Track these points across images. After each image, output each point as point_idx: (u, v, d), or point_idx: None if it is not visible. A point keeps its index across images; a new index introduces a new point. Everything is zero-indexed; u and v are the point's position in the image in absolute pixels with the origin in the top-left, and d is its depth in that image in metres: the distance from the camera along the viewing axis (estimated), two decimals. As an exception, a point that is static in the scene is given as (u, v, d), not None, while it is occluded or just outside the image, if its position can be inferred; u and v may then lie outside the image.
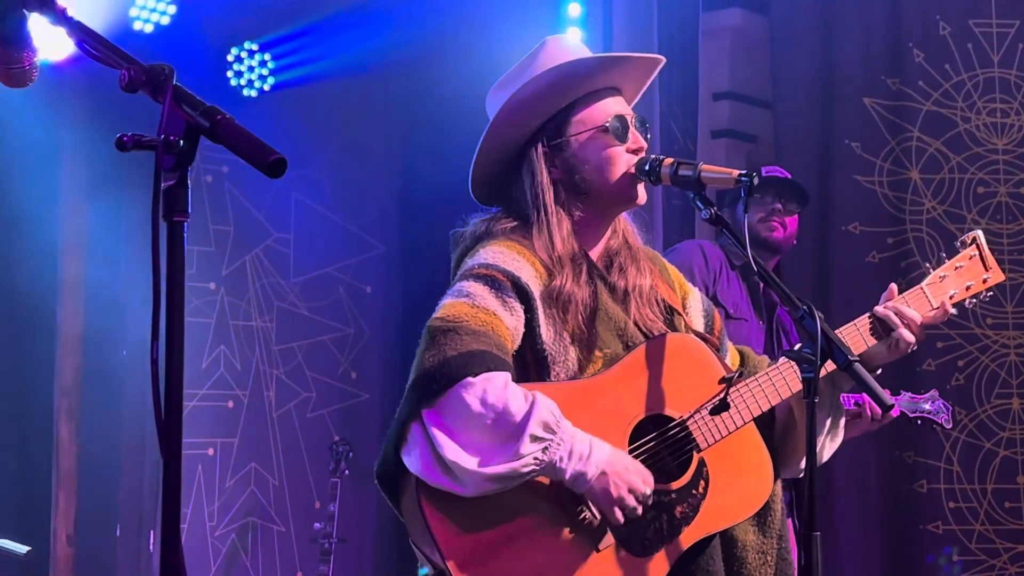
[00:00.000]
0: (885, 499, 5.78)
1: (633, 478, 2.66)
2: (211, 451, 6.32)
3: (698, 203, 2.78)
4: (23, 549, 4.25)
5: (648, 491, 2.68)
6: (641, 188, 2.90)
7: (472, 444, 2.58)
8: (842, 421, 3.03)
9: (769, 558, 2.89)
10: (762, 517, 2.89)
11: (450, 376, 2.59)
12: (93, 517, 6.02)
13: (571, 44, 3.02)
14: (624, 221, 3.00)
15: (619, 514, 2.67)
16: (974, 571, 5.65)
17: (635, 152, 2.88)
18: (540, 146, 2.90)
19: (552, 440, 2.60)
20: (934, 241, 5.76)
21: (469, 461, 2.57)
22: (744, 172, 2.72)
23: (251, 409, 6.49)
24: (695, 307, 3.05)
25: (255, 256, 6.56)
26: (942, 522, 5.66)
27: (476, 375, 2.59)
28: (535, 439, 2.58)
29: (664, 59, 3.02)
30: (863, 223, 5.85)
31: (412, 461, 2.63)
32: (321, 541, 6.14)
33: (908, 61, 5.86)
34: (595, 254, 2.93)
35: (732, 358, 3.04)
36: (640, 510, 2.68)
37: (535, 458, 2.59)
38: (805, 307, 2.65)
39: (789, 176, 5.02)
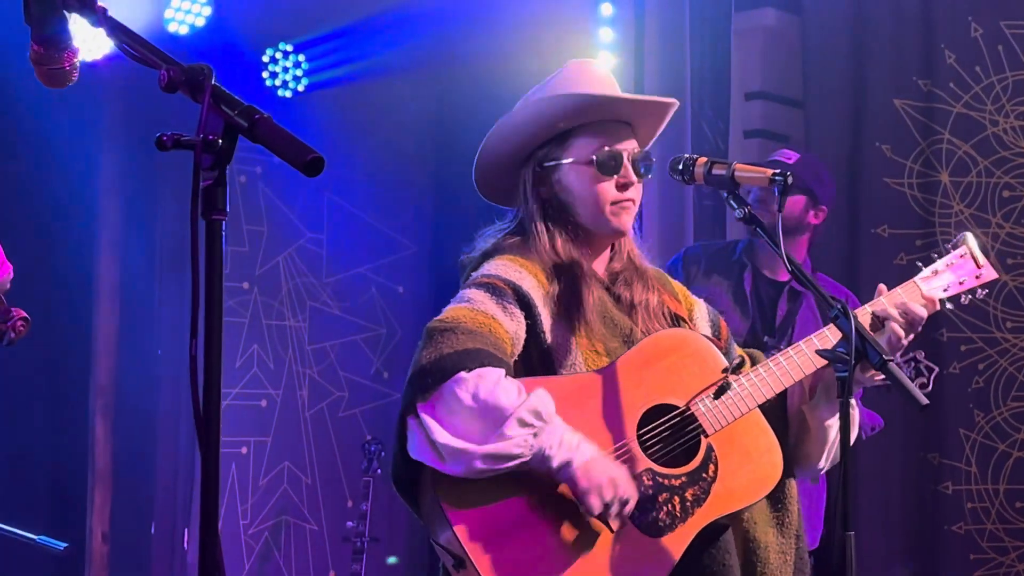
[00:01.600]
0: (911, 499, 5.76)
1: (615, 472, 2.68)
2: (244, 450, 6.34)
3: (732, 202, 2.81)
4: (60, 546, 4.28)
5: (627, 496, 2.68)
6: (627, 218, 2.92)
7: (462, 430, 2.63)
8: (856, 422, 3.01)
9: (788, 558, 2.92)
10: (780, 517, 2.92)
11: (444, 371, 2.63)
12: (128, 514, 6.05)
13: (590, 70, 3.04)
14: (630, 243, 3.03)
15: (596, 503, 2.66)
16: (983, 569, 5.63)
17: (622, 188, 2.90)
18: (534, 165, 2.95)
19: (542, 428, 2.64)
20: (962, 244, 5.73)
21: (457, 442, 2.61)
22: (778, 172, 2.73)
23: (284, 408, 6.51)
24: (701, 317, 3.10)
25: (288, 256, 6.58)
26: (963, 523, 5.65)
27: (470, 370, 2.63)
28: (523, 424, 2.62)
29: (675, 102, 3.01)
30: (892, 226, 5.83)
31: (413, 450, 2.68)
32: (353, 540, 6.15)
33: (939, 62, 5.82)
34: (599, 270, 2.99)
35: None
36: (615, 510, 2.68)
37: (525, 440, 2.63)
38: (839, 306, 2.65)
39: (792, 159, 4.94)
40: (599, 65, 3.14)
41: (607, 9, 6.00)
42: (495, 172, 3.00)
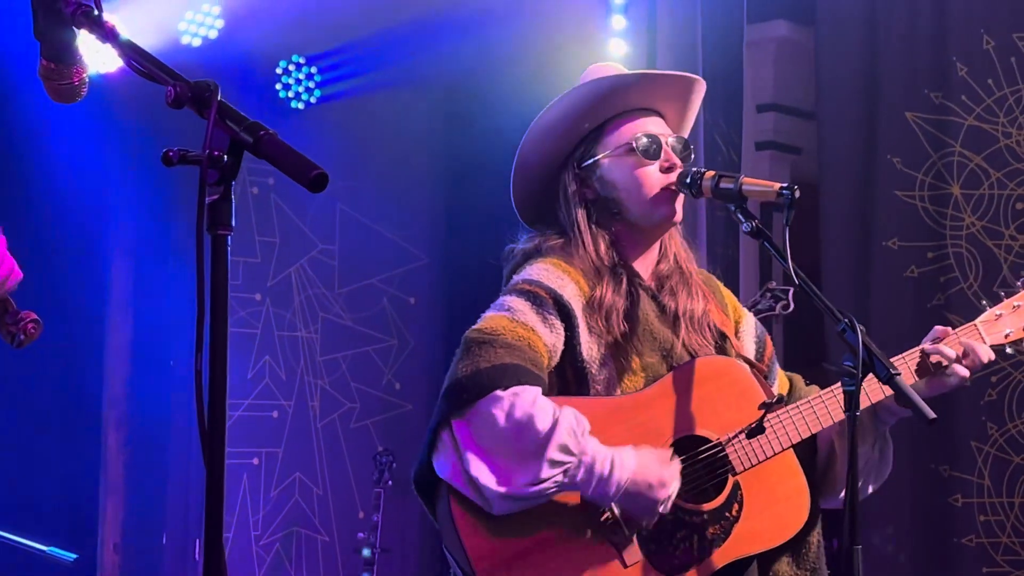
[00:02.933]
0: (921, 512, 5.73)
1: (654, 494, 2.66)
2: (256, 460, 6.35)
3: (739, 216, 2.77)
4: (71, 557, 4.29)
5: (668, 501, 2.67)
6: (678, 204, 2.89)
7: (495, 461, 2.60)
8: (890, 456, 3.00)
9: None
10: (797, 549, 2.87)
11: (480, 387, 2.61)
12: (140, 525, 6.06)
13: (609, 69, 3.01)
14: (676, 244, 2.98)
15: (644, 523, 2.67)
16: (997, 583, 5.61)
17: (667, 171, 2.86)
18: (572, 167, 2.91)
19: (572, 463, 2.61)
20: (972, 257, 5.70)
21: (490, 479, 2.59)
22: (785, 185, 2.71)
23: (296, 419, 6.52)
24: (748, 332, 3.03)
25: (300, 267, 6.59)
26: (975, 535, 5.62)
27: (506, 388, 2.61)
28: (554, 464, 2.60)
29: (702, 80, 3.00)
30: (902, 238, 5.81)
31: (441, 467, 2.66)
32: (364, 551, 6.15)
33: (951, 75, 5.80)
34: (644, 274, 2.92)
35: (780, 385, 3.02)
36: (665, 511, 2.68)
37: (555, 481, 2.61)
38: (846, 320, 2.63)
39: None
40: (618, 65, 3.12)
41: (619, 22, 6.01)
42: (533, 183, 2.95)
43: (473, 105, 6.52)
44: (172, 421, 6.12)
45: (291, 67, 6.41)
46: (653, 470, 2.66)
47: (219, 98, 1.82)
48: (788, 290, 4.69)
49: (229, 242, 1.83)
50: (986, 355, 2.89)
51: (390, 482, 6.24)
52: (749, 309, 4.94)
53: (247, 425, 6.27)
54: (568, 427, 2.62)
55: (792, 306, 4.63)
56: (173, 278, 6.09)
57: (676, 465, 2.70)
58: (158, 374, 6.09)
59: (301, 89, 6.42)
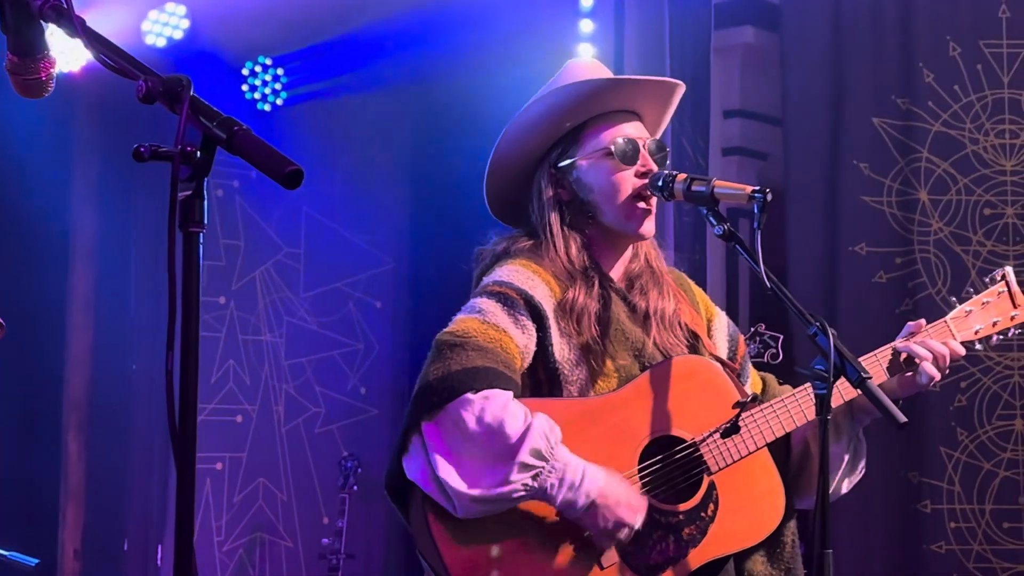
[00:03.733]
0: (890, 518, 5.75)
1: (622, 512, 2.66)
2: (219, 465, 6.32)
3: (711, 219, 2.78)
4: (31, 562, 4.23)
5: (637, 525, 2.67)
6: (649, 222, 2.89)
7: (463, 464, 2.59)
8: (863, 455, 3.01)
9: None
10: (772, 548, 2.88)
11: (451, 390, 2.60)
12: (101, 531, 6.01)
13: (589, 66, 3.01)
14: (647, 244, 2.98)
15: (606, 543, 2.67)
16: (972, 591, 5.64)
17: (643, 175, 2.86)
18: (548, 167, 2.91)
19: (543, 467, 2.60)
20: (941, 262, 5.73)
21: (458, 482, 2.58)
22: (757, 188, 2.71)
23: (260, 424, 6.49)
24: (720, 330, 3.04)
25: (265, 271, 6.56)
26: (944, 542, 5.64)
27: (477, 392, 2.60)
28: (524, 467, 2.59)
29: (682, 84, 3.01)
30: (870, 244, 5.84)
31: (411, 470, 2.65)
32: (329, 557, 6.12)
33: (918, 81, 5.83)
34: (615, 275, 2.92)
35: (753, 384, 3.03)
36: (627, 538, 2.68)
37: (524, 484, 2.60)
38: (818, 324, 2.64)
39: None
40: (597, 63, 3.11)
41: (587, 26, 6.01)
42: (508, 181, 2.95)
43: (441, 108, 6.51)
44: (134, 426, 6.08)
45: (258, 68, 6.38)
46: (623, 492, 2.67)
47: (191, 93, 1.80)
48: (779, 338, 4.67)
49: (201, 240, 1.81)
50: (957, 351, 2.90)
51: (355, 487, 6.21)
52: None
53: (211, 430, 6.24)
54: (541, 432, 2.61)
55: (781, 356, 4.61)
56: (135, 280, 6.05)
57: (645, 501, 2.70)
58: (120, 378, 6.04)
59: (268, 91, 6.39)
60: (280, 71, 6.42)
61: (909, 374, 2.89)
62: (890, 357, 2.90)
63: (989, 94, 5.79)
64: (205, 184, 1.81)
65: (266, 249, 6.56)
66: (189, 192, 1.81)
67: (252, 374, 6.47)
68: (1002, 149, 5.79)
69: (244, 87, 6.34)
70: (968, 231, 5.74)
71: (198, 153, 1.80)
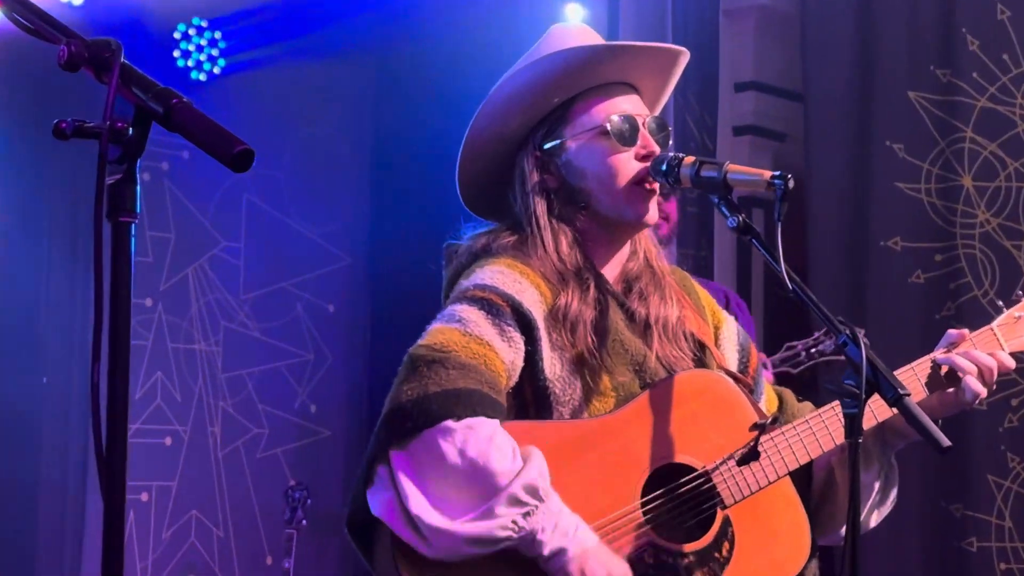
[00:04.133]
0: (929, 558, 5.77)
1: (615, 568, 2.64)
2: (145, 496, 6.30)
3: (724, 209, 2.77)
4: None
5: None
6: (653, 204, 2.89)
7: (441, 497, 2.58)
8: (895, 483, 3.02)
9: None
10: None
11: (428, 415, 2.59)
12: (7, 566, 5.99)
13: (578, 31, 3.01)
14: (646, 240, 2.99)
15: None
16: (1023, 641, 5.66)
17: (644, 159, 2.86)
18: (532, 149, 2.91)
19: (536, 507, 2.59)
20: (987, 260, 5.76)
21: (434, 517, 2.57)
22: (778, 174, 2.71)
23: (192, 447, 6.48)
24: (729, 339, 3.04)
25: (199, 268, 6.55)
26: (993, 586, 5.67)
27: (459, 419, 2.59)
28: (515, 501, 2.57)
29: (686, 52, 3.01)
30: (906, 238, 5.86)
31: (377, 505, 2.63)
32: (273, 602, 6.12)
33: (961, 49, 5.87)
34: (610, 276, 2.92)
35: (768, 401, 3.03)
36: None
37: (513, 521, 2.58)
38: (848, 332, 2.64)
39: None
40: (585, 27, 3.11)
41: (576, -10, 6.03)
42: (484, 166, 2.94)
43: (406, 80, 6.52)
44: (44, 447, 6.05)
45: (191, 31, 6.37)
46: (613, 560, 2.66)
47: (122, 59, 1.80)
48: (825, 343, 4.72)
49: (133, 231, 1.80)
50: (1007, 363, 2.91)
51: (304, 521, 6.20)
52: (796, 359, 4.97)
53: (135, 454, 6.12)
54: (537, 470, 2.61)
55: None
56: (48, 279, 6.03)
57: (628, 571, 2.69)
58: (28, 393, 6.01)
59: (203, 57, 6.37)
60: (218, 35, 6.41)
61: (951, 390, 2.89)
62: (929, 371, 2.90)
63: (1044, 65, 5.83)
64: (137, 166, 1.81)
65: (201, 243, 6.55)
66: (119, 176, 1.81)
67: (183, 389, 6.46)
68: (1058, 129, 5.83)
69: (176, 53, 6.33)
70: (1020, 223, 5.77)
71: (130, 130, 1.80)
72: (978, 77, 5.84)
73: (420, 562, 2.62)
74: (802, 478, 2.91)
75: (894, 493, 3.03)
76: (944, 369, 2.89)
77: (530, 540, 2.59)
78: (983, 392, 2.88)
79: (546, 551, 2.60)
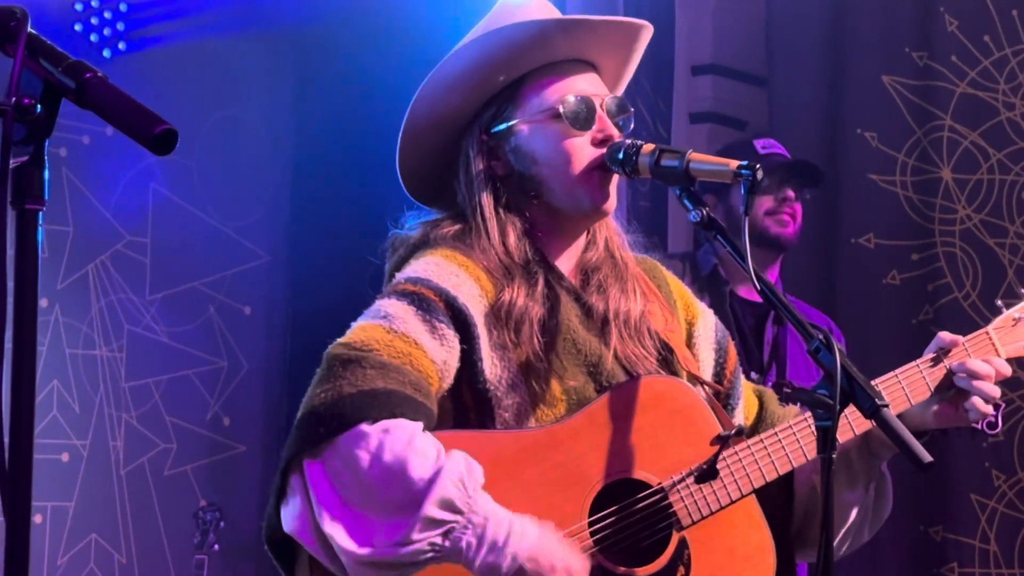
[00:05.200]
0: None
1: (570, 562, 2.65)
2: (39, 518, 6.26)
3: (686, 201, 2.79)
4: None
5: None
6: (612, 188, 2.91)
7: (356, 515, 2.58)
8: (888, 494, 3.05)
9: None
10: None
11: (341, 419, 2.59)
12: None
13: (530, 5, 3.01)
14: (609, 227, 3.00)
15: None
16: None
17: (601, 143, 2.88)
18: (478, 133, 2.92)
19: (456, 523, 2.58)
20: (969, 259, 5.82)
21: (346, 539, 2.57)
22: (745, 164, 2.73)
23: (92, 464, 6.43)
24: (705, 337, 3.05)
25: (100, 265, 6.51)
26: (977, 616, 5.71)
27: (375, 422, 2.59)
28: (432, 523, 2.57)
29: (648, 25, 3.03)
30: (880, 235, 5.91)
31: (289, 519, 2.64)
32: (182, 634, 6.09)
33: (939, 30, 5.92)
34: (566, 268, 2.93)
35: (747, 405, 3.05)
36: None
37: (431, 544, 2.58)
38: (821, 337, 2.66)
39: (787, 154, 5.12)
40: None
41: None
42: (427, 151, 2.95)
43: (330, 59, 6.50)
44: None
45: (94, 3, 6.33)
46: (559, 551, 2.66)
47: (29, 28, 1.79)
48: (1001, 406, 4.74)
49: (41, 220, 1.79)
50: (1003, 370, 2.94)
51: (216, 546, 6.18)
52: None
53: (28, 471, 6.17)
54: (456, 477, 2.59)
55: (1000, 428, 4.65)
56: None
57: (588, 564, 2.70)
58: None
59: (107, 33, 6.34)
60: (123, 7, 6.38)
61: (949, 405, 2.92)
62: (918, 380, 2.93)
63: (1027, 47, 5.88)
64: (46, 147, 1.80)
65: (102, 237, 6.51)
66: (25, 158, 1.80)
67: (82, 399, 6.41)
68: (1044, 117, 5.89)
69: (77, 27, 6.30)
70: (1003, 219, 5.83)
71: (38, 107, 1.79)
72: (958, 60, 5.90)
73: None
74: (782, 496, 2.94)
75: (889, 503, 3.06)
76: (934, 378, 2.92)
77: (456, 556, 2.60)
78: (990, 412, 2.91)
79: (476, 567, 2.61)
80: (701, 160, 2.80)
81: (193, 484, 6.69)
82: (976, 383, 2.90)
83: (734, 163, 2.74)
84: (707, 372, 3.00)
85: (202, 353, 6.78)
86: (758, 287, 2.71)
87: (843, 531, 2.96)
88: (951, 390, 2.92)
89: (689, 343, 3.01)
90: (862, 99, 5.95)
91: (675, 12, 6.52)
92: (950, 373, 2.93)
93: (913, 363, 2.95)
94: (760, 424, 3.00)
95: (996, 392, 2.92)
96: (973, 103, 5.86)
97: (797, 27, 6.08)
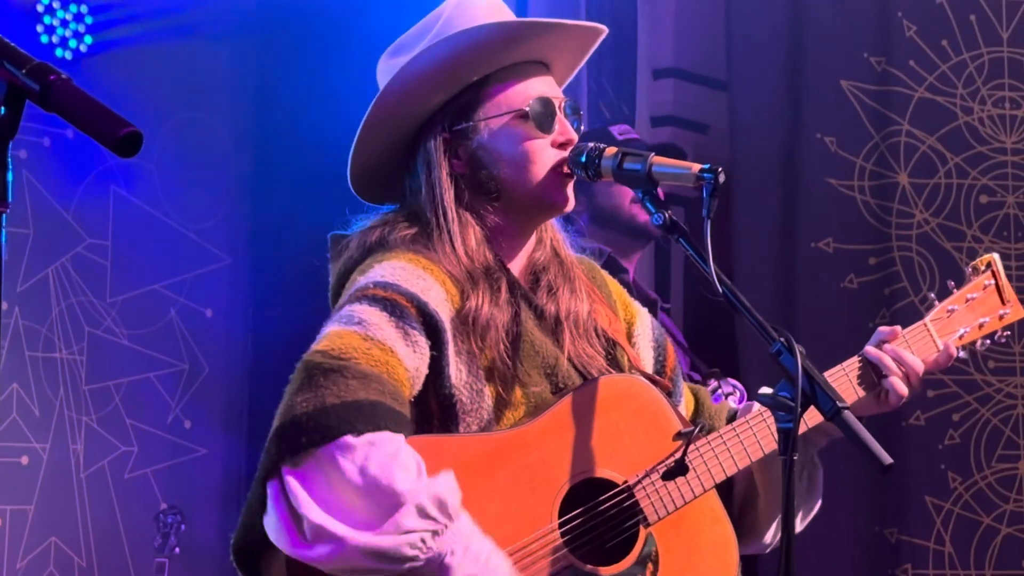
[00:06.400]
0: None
1: None
2: (-1, 521, 6.24)
3: (648, 204, 2.81)
4: None
5: None
6: (570, 190, 2.93)
7: (342, 508, 2.56)
8: (819, 484, 3.09)
9: None
10: None
11: (326, 430, 2.58)
12: None
13: (484, 5, 3.02)
14: (552, 228, 3.03)
15: None
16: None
17: (562, 146, 2.90)
18: (440, 131, 2.92)
19: (447, 526, 2.58)
20: (925, 263, 5.84)
21: (338, 526, 2.55)
22: (707, 167, 2.75)
23: (52, 467, 6.40)
24: (643, 336, 3.09)
25: (61, 268, 6.49)
26: (931, 618, 5.73)
27: (360, 434, 2.58)
28: (424, 515, 2.56)
29: (605, 29, 3.05)
30: (838, 239, 5.92)
31: (271, 529, 2.62)
32: (142, 638, 6.08)
33: (897, 35, 5.94)
34: (516, 270, 2.94)
35: (686, 403, 3.08)
36: None
37: (422, 540, 2.57)
38: (782, 340, 2.67)
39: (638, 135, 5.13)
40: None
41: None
42: (382, 151, 2.94)
43: (294, 60, 6.49)
44: None
45: (55, 4, 6.31)
46: None
47: (-8, 31, 1.79)
48: (740, 389, 4.74)
49: (4, 222, 1.79)
50: (943, 360, 3.04)
51: (177, 550, 6.17)
52: None
53: (-12, 474, 6.17)
54: (445, 484, 2.60)
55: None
56: None
57: None
58: None
59: (67, 33, 6.32)
60: (84, 8, 6.36)
61: (875, 392, 3.00)
62: (859, 370, 2.98)
63: (985, 52, 5.91)
64: (9, 150, 1.79)
65: (63, 240, 6.48)
66: (-12, 162, 1.80)
67: (42, 402, 6.38)
68: (1001, 121, 5.91)
69: (39, 28, 6.26)
70: (960, 223, 5.85)
71: (1, 109, 1.78)
72: (915, 65, 5.92)
73: None
74: (723, 486, 2.97)
75: (819, 493, 3.11)
76: (876, 367, 2.99)
77: (437, 564, 2.59)
78: (906, 394, 3.00)
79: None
80: (663, 163, 2.83)
81: (154, 487, 6.67)
82: (886, 361, 2.95)
83: (696, 167, 2.77)
84: (648, 371, 3.03)
85: (163, 356, 6.76)
86: (719, 289, 2.73)
87: (776, 521, 2.99)
88: (882, 379, 2.98)
89: (630, 341, 3.04)
90: (821, 104, 5.97)
91: (637, 15, 6.52)
92: (863, 357, 2.98)
93: (855, 357, 2.99)
94: (699, 421, 3.03)
95: (918, 367, 2.98)
96: (930, 108, 5.88)
97: (757, 32, 6.09)
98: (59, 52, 6.30)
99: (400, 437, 2.62)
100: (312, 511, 2.55)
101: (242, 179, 6.97)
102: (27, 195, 6.35)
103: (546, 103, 2.90)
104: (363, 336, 2.69)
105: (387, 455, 2.57)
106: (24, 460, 6.34)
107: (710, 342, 5.55)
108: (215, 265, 6.92)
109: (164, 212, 6.75)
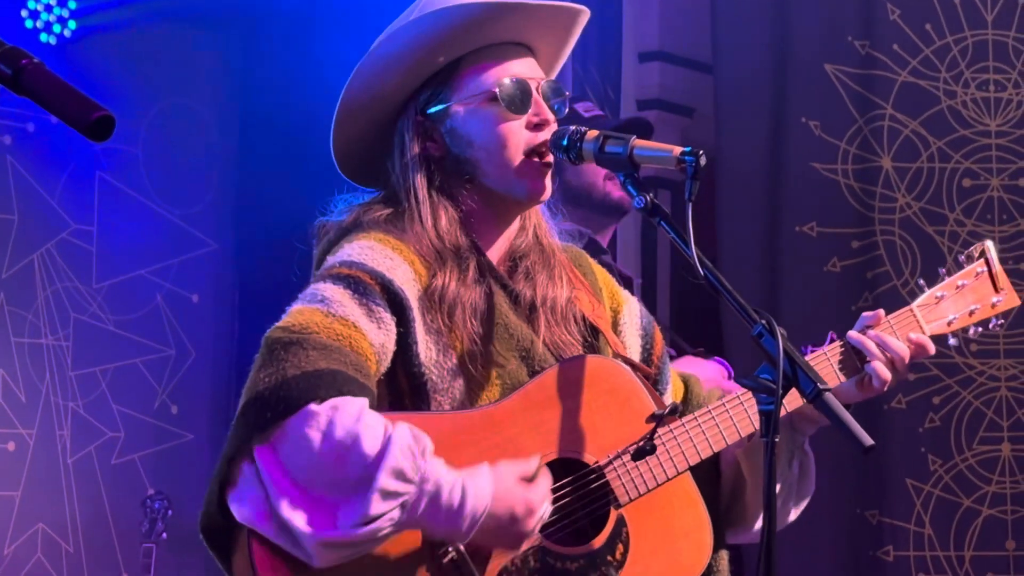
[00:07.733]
0: (842, 568, 5.83)
1: (521, 525, 2.66)
2: (-15, 507, 6.24)
3: (630, 187, 2.80)
4: None
5: (535, 530, 2.68)
6: (548, 180, 2.91)
7: (312, 498, 2.56)
8: (811, 473, 3.07)
9: None
10: None
11: (288, 401, 2.57)
12: None
13: None
14: (536, 214, 3.01)
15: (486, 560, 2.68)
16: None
17: (536, 128, 2.89)
18: (414, 113, 2.91)
19: (409, 493, 2.57)
20: (908, 247, 5.85)
21: (306, 524, 2.55)
22: (688, 149, 2.73)
23: (39, 453, 6.41)
24: (630, 324, 3.07)
25: (46, 254, 6.48)
26: (911, 598, 5.74)
27: (322, 401, 2.57)
28: (387, 495, 2.55)
29: (586, 10, 3.03)
30: (822, 223, 5.93)
31: (242, 509, 2.61)
32: (129, 623, 6.07)
33: (881, 19, 5.94)
34: (496, 254, 2.93)
35: (674, 390, 3.07)
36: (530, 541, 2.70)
37: (390, 519, 2.57)
38: (764, 322, 2.67)
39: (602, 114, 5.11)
40: None
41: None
42: (362, 133, 2.94)
43: (279, 45, 6.48)
44: None
45: (39, -11, 6.31)
46: (516, 494, 2.66)
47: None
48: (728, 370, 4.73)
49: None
50: (927, 348, 2.98)
51: (164, 535, 6.16)
52: None
53: (-26, 461, 6.17)
54: (404, 446, 2.58)
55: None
56: None
57: (545, 483, 2.71)
58: None
59: (52, 18, 6.31)
60: (69, -7, 6.36)
61: (859, 377, 2.96)
62: (841, 355, 2.97)
63: (969, 36, 5.91)
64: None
65: (48, 225, 6.48)
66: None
67: (28, 388, 6.38)
68: (985, 105, 5.92)
69: (23, 12, 6.25)
70: (943, 207, 5.86)
71: (-27, 93, 1.77)
72: (899, 49, 5.92)
73: (284, 565, 2.61)
74: (710, 474, 2.96)
75: (812, 482, 3.09)
76: (859, 352, 2.97)
77: (412, 524, 2.61)
78: (889, 379, 2.95)
79: (435, 532, 2.63)
80: (645, 146, 2.80)
81: (141, 472, 6.68)
82: (869, 345, 2.94)
83: (677, 149, 2.76)
84: (634, 358, 3.01)
85: (149, 341, 6.76)
86: (701, 272, 2.71)
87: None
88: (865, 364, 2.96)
89: (615, 330, 3.03)
90: (805, 87, 5.97)
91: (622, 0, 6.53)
92: (845, 342, 2.97)
93: (837, 341, 2.98)
94: (687, 407, 3.01)
95: (903, 352, 2.95)
96: (914, 92, 5.88)
97: (742, 15, 6.09)
98: (43, 37, 6.30)
99: (364, 400, 2.61)
100: (282, 505, 2.55)
101: (228, 164, 6.97)
102: (11, 181, 6.34)
103: (519, 83, 2.88)
104: (325, 312, 2.69)
105: (351, 417, 2.56)
106: (11, 446, 6.34)
107: (696, 321, 5.55)
108: (201, 250, 6.92)
109: (150, 197, 6.74)
